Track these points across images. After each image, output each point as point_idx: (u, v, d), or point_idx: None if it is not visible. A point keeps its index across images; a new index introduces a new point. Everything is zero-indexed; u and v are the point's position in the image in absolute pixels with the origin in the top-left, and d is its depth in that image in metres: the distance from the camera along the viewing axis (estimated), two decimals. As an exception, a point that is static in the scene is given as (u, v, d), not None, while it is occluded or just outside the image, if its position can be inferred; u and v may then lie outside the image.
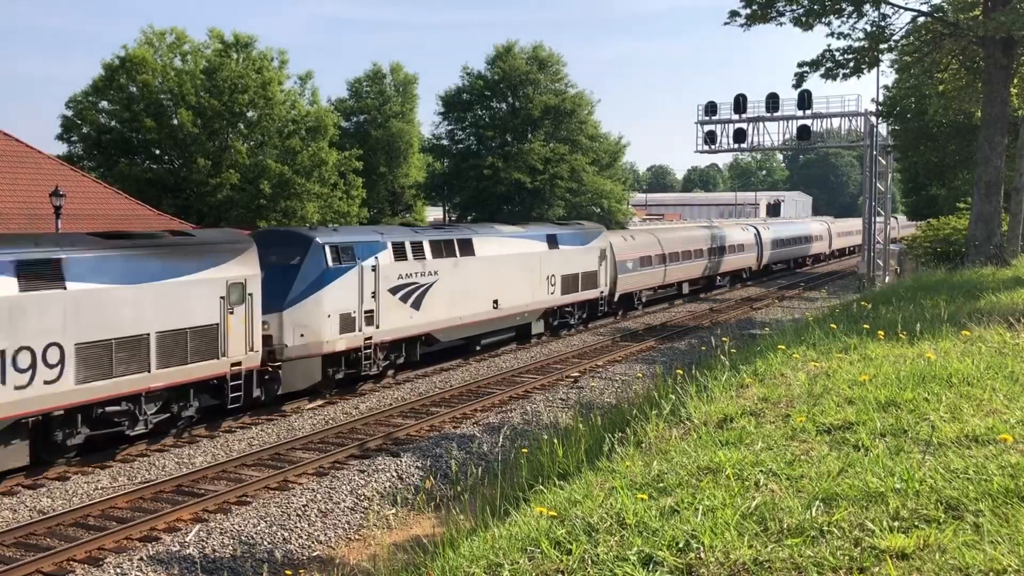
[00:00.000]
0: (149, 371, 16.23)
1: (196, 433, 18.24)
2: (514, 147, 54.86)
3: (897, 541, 5.11)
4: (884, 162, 45.65)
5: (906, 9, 29.50)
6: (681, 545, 5.42)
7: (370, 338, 21.63)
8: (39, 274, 14.57)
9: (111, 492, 14.68)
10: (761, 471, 6.72)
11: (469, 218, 54.46)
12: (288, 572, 11.45)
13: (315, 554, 12.84)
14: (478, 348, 26.91)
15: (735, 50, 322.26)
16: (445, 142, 58.46)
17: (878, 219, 44.70)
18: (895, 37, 30.00)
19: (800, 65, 30.60)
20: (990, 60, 27.85)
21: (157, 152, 44.46)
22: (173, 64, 43.99)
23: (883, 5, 29.15)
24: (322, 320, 20.19)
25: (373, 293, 21.65)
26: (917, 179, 56.13)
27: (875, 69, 32.27)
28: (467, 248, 25.60)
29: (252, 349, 18.40)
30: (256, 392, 18.75)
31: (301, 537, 13.24)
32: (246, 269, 18.28)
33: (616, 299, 34.78)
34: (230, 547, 12.63)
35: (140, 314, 16.00)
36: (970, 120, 36.75)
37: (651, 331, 32.72)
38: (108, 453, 16.48)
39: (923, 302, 17.11)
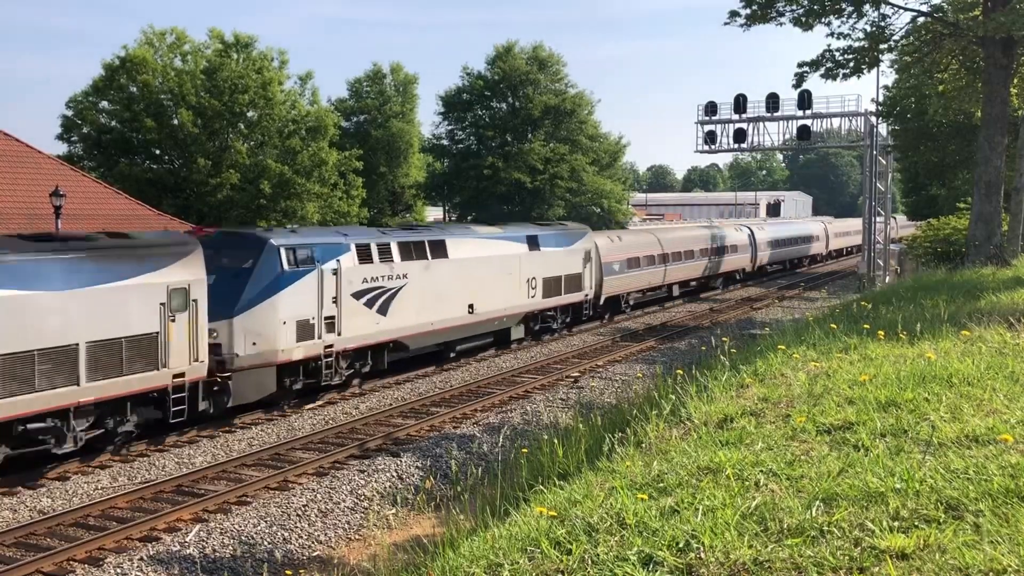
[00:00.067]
0: (78, 384, 14.95)
1: (196, 434, 18.23)
2: (514, 147, 54.86)
3: (897, 541, 5.11)
4: (884, 162, 45.66)
5: (906, 9, 29.55)
6: (681, 545, 5.42)
7: (331, 346, 20.55)
8: None
9: (111, 492, 14.68)
10: (761, 471, 6.72)
11: (469, 218, 54.45)
12: (288, 572, 11.45)
13: (315, 554, 12.85)
14: (452, 355, 25.80)
15: (735, 50, 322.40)
16: (445, 142, 58.47)
17: (878, 219, 44.70)
18: (895, 37, 30.03)
19: (800, 65, 30.64)
20: (990, 60, 27.85)
21: (157, 152, 44.43)
22: (173, 64, 43.97)
23: (883, 5, 29.17)
24: (276, 327, 19.09)
25: (334, 298, 20.53)
26: (917, 179, 56.14)
27: (875, 69, 32.31)
28: (439, 250, 24.51)
29: (197, 359, 17.20)
30: (203, 405, 17.55)
31: (301, 537, 13.24)
32: (190, 273, 17.13)
33: (602, 302, 33.85)
34: (230, 547, 12.64)
35: (68, 322, 14.76)
36: (970, 120, 36.75)
37: (651, 331, 32.71)
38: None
39: (923, 302, 17.11)
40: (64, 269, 14.93)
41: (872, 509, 5.65)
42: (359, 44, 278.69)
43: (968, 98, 33.21)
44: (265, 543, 12.85)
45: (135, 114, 42.10)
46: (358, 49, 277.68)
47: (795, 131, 43.82)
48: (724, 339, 16.99)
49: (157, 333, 16.35)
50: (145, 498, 14.43)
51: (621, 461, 8.30)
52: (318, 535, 13.41)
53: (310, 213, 44.17)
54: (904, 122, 42.99)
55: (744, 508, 5.86)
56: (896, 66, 39.19)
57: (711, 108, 44.84)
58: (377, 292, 21.98)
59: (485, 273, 26.19)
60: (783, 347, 13.28)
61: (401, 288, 22.71)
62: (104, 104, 43.79)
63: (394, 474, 15.93)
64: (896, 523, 5.41)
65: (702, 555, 5.24)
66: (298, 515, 13.85)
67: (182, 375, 16.88)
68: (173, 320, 16.63)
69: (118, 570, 11.74)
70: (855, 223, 78.18)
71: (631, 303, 37.08)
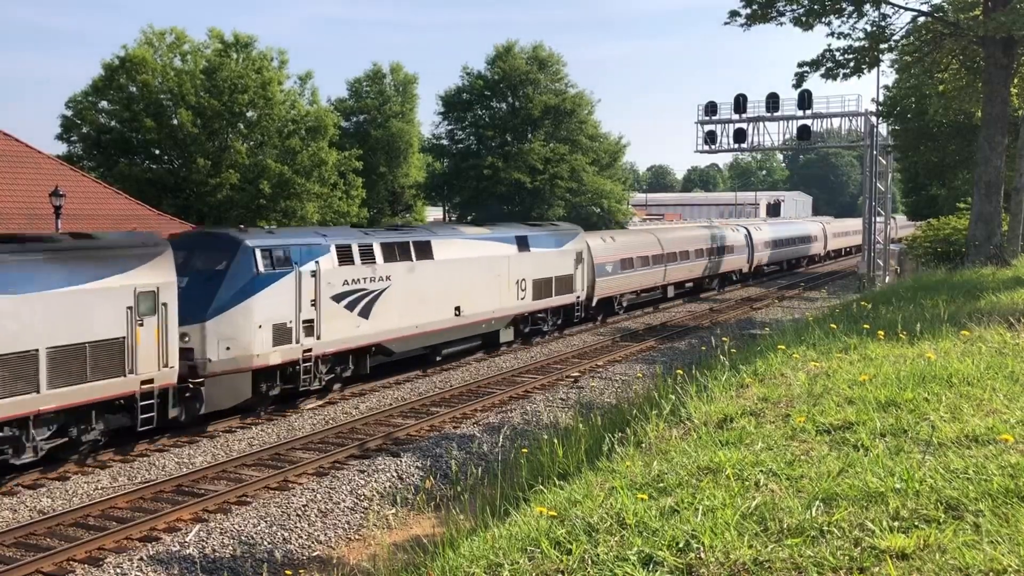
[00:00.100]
0: (38, 391, 14.34)
1: (195, 434, 18.24)
2: (514, 147, 54.86)
3: (897, 541, 5.11)
4: (884, 162, 45.67)
5: (906, 9, 29.54)
6: (681, 545, 5.42)
7: (310, 350, 19.96)
8: None
9: (111, 492, 14.68)
10: (761, 471, 6.72)
11: (469, 218, 54.46)
12: (288, 572, 11.45)
13: (315, 554, 12.85)
14: (439, 359, 25.25)
15: (735, 50, 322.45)
16: (445, 142, 58.47)
17: (878, 219, 44.71)
18: (895, 37, 30.03)
19: (800, 65, 30.64)
20: (990, 60, 27.86)
21: (157, 152, 44.44)
22: (173, 64, 43.98)
23: (883, 5, 29.17)
24: (251, 331, 18.47)
25: (313, 301, 19.96)
26: (917, 179, 56.16)
27: (875, 69, 32.30)
28: (424, 251, 23.90)
29: (167, 365, 16.53)
30: (173, 412, 16.96)
31: (301, 537, 13.25)
32: (159, 276, 16.48)
33: (594, 304, 33.29)
34: (230, 547, 12.64)
35: (27, 327, 14.14)
36: (970, 120, 36.76)
37: (651, 331, 32.71)
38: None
39: (923, 302, 17.12)
40: (22, 272, 14.34)
41: (872, 509, 5.65)
42: (359, 44, 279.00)
43: (968, 98, 33.22)
44: (265, 543, 12.85)
45: (135, 114, 42.12)
46: (358, 49, 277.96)
47: (795, 131, 43.84)
48: (724, 339, 17.01)
49: (124, 338, 15.71)
50: (145, 498, 14.43)
51: (621, 461, 8.30)
52: (318, 535, 13.41)
53: (310, 213, 44.17)
54: (904, 122, 43.00)
55: (744, 508, 5.86)
56: (896, 66, 39.21)
57: (711, 108, 44.85)
58: (359, 294, 21.40)
59: (472, 274, 25.68)
60: (783, 347, 13.29)
61: (384, 290, 22.14)
62: (104, 104, 43.80)
63: (394, 474, 15.93)
64: (896, 523, 5.41)
65: (702, 555, 5.24)
66: (298, 515, 13.85)
67: (151, 381, 16.26)
68: (141, 324, 16.02)
69: (118, 570, 11.74)
70: (854, 223, 78.08)
71: (625, 305, 36.53)
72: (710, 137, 45.04)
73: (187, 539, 12.74)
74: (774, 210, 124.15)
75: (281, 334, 19.20)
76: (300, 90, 48.16)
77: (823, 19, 29.34)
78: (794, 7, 29.13)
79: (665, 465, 7.46)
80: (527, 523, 6.62)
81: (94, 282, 15.33)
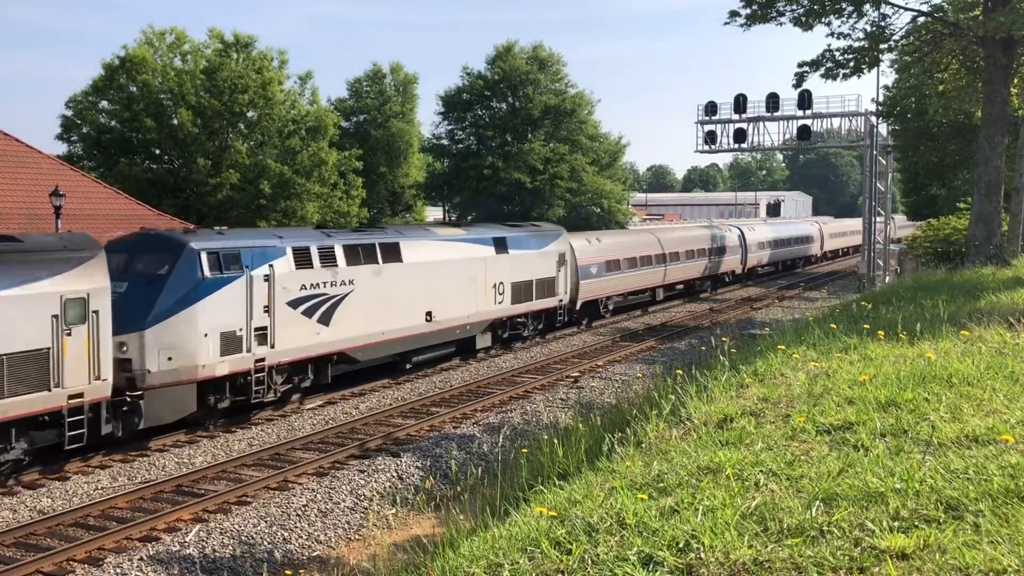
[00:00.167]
0: None
1: (196, 434, 18.23)
2: (514, 147, 54.88)
3: (897, 541, 5.11)
4: (884, 162, 45.68)
5: (906, 9, 29.57)
6: (681, 545, 5.42)
7: (263, 360, 18.77)
8: None
9: (111, 492, 14.68)
10: (761, 471, 6.73)
11: (469, 218, 54.49)
12: (288, 572, 11.45)
13: (315, 554, 12.85)
14: (409, 367, 24.07)
15: (735, 50, 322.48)
16: (445, 142, 58.50)
17: (878, 219, 44.71)
18: (895, 37, 30.05)
19: (800, 65, 30.66)
20: (990, 60, 27.87)
21: (157, 152, 44.47)
22: (173, 64, 44.00)
23: (883, 5, 29.19)
24: (196, 340, 17.27)
25: (266, 307, 18.76)
26: (917, 179, 56.16)
27: (875, 69, 32.32)
28: (392, 254, 22.69)
29: (99, 377, 15.25)
30: (107, 428, 15.70)
31: (301, 537, 13.25)
32: (90, 281, 15.16)
33: (579, 307, 32.19)
34: (230, 547, 12.64)
35: None
36: (970, 120, 36.78)
37: (651, 331, 32.71)
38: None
39: (923, 302, 17.13)
40: None
41: (872, 509, 5.65)
42: (359, 44, 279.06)
43: (968, 98, 33.24)
44: (265, 543, 12.85)
45: (135, 114, 42.14)
46: (358, 49, 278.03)
47: (795, 131, 43.85)
48: (724, 339, 17.01)
49: (48, 349, 14.51)
50: (145, 498, 14.43)
51: (621, 461, 8.30)
52: (318, 535, 13.41)
53: (310, 213, 44.20)
54: (904, 122, 43.02)
55: (744, 508, 5.86)
56: (896, 66, 39.24)
57: (711, 108, 44.86)
58: (318, 300, 20.21)
59: (445, 278, 24.57)
60: (783, 347, 13.29)
61: (347, 295, 20.94)
62: (104, 104, 43.83)
63: (394, 474, 15.93)
64: (896, 523, 5.41)
65: (702, 555, 5.24)
66: (298, 515, 13.85)
67: (80, 395, 14.98)
68: (69, 334, 14.80)
69: (118, 570, 11.74)
70: (852, 223, 77.89)
71: (611, 308, 35.53)
72: (710, 137, 45.04)
73: (187, 539, 12.74)
74: (774, 210, 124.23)
75: (230, 343, 18.02)
76: (300, 90, 48.23)
77: (823, 19, 29.37)
78: (794, 7, 29.15)
79: (665, 465, 7.46)
80: (527, 523, 6.62)
81: (14, 288, 14.09)
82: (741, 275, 50.44)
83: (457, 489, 13.06)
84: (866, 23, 29.55)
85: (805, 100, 42.54)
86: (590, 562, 5.45)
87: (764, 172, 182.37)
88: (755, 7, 29.51)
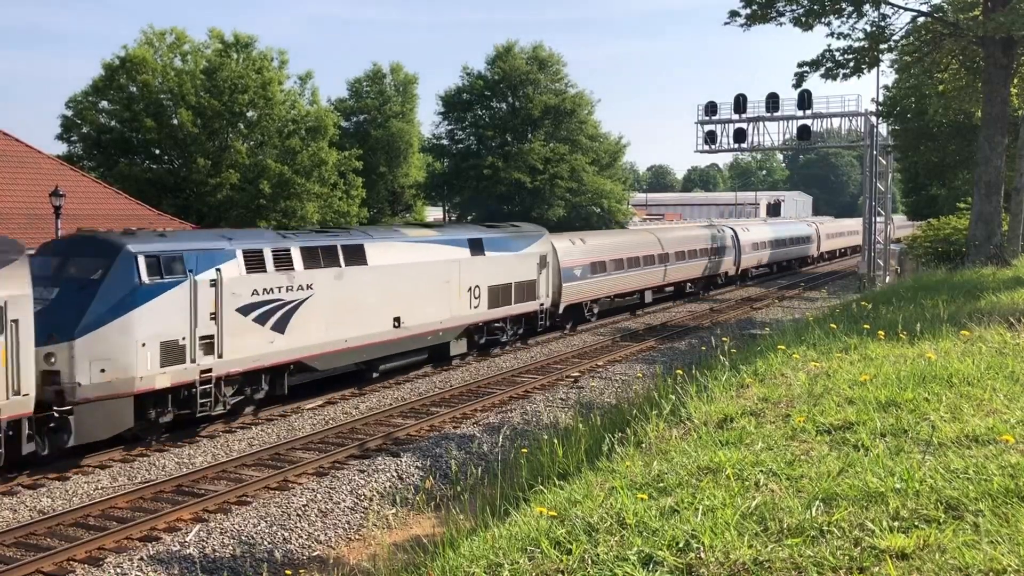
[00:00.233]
0: None
1: (197, 434, 18.22)
2: (514, 147, 54.91)
3: (897, 541, 5.11)
4: (884, 162, 45.69)
5: (906, 9, 29.60)
6: (681, 545, 5.42)
7: (209, 370, 17.49)
8: None
9: (111, 492, 14.68)
10: (761, 471, 6.73)
11: (469, 218, 54.50)
12: (288, 572, 11.45)
13: (315, 554, 12.85)
14: (376, 375, 22.87)
15: (735, 50, 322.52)
16: (445, 142, 58.54)
17: (878, 219, 44.72)
18: (895, 37, 30.07)
19: (800, 65, 30.68)
20: (990, 60, 27.88)
21: (157, 152, 44.50)
22: (173, 64, 44.03)
23: (883, 5, 29.21)
24: (132, 350, 15.97)
25: (213, 314, 17.47)
26: (917, 179, 56.15)
27: (875, 69, 32.34)
28: (356, 256, 21.39)
29: (18, 392, 13.90)
30: (28, 447, 14.43)
31: (301, 537, 13.25)
32: (8, 288, 13.87)
33: (561, 311, 31.07)
34: (230, 547, 12.64)
35: None
36: (970, 120, 36.78)
37: (651, 331, 32.70)
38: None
39: (923, 302, 17.14)
40: None
41: (872, 509, 5.66)
42: (359, 44, 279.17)
43: (968, 98, 33.24)
44: (265, 543, 12.85)
45: (135, 114, 42.16)
46: (358, 49, 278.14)
47: (795, 131, 43.88)
48: (724, 339, 17.02)
49: None
50: (145, 498, 14.43)
51: (621, 461, 8.31)
52: (318, 535, 13.41)
53: (310, 213, 44.23)
54: (904, 122, 43.04)
55: (744, 508, 5.86)
56: (896, 66, 39.25)
57: (711, 108, 44.88)
58: (272, 306, 18.93)
59: (415, 281, 23.30)
60: (783, 347, 13.29)
61: (304, 300, 19.67)
62: (104, 104, 43.88)
63: (394, 474, 15.93)
64: (896, 523, 5.41)
65: (702, 555, 5.25)
66: (298, 515, 13.85)
67: None
68: None
69: (118, 570, 11.74)
70: (850, 223, 77.63)
71: (596, 312, 34.36)
72: (710, 137, 45.06)
73: (187, 539, 12.74)
74: (774, 210, 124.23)
75: (171, 353, 16.72)
76: (300, 90, 48.29)
77: (823, 19, 29.39)
78: (794, 7, 29.17)
79: (665, 465, 7.46)
80: (527, 523, 6.62)
81: None
82: (735, 277, 49.16)
83: (457, 489, 13.06)
84: (866, 23, 29.61)
85: (805, 100, 42.57)
86: (590, 562, 5.45)
87: (764, 172, 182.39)
88: (755, 7, 29.53)
